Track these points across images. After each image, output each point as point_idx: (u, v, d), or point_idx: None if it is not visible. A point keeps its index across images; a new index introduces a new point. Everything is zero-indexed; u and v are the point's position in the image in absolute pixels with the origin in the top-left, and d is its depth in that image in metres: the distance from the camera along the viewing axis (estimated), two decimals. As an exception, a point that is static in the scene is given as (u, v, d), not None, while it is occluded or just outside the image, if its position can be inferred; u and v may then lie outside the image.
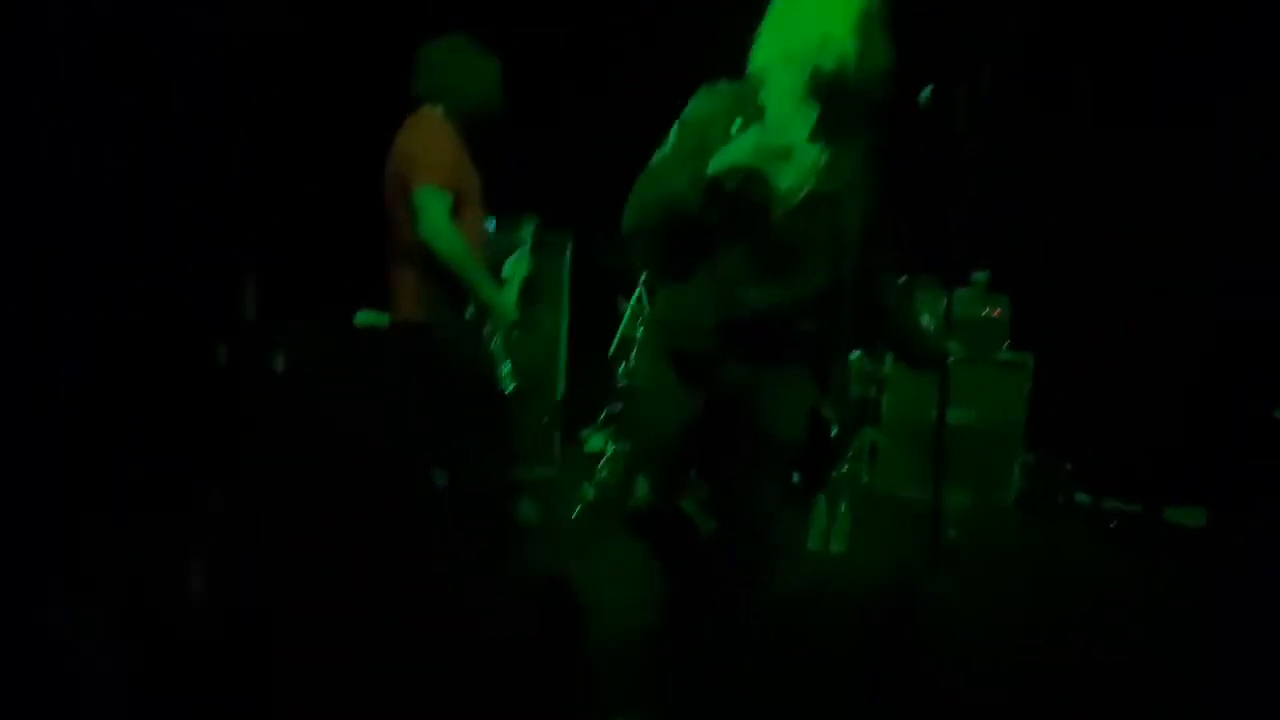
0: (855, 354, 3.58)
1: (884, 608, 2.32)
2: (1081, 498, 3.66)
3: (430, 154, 2.08)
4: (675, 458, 1.59)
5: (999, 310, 3.67)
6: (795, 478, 2.27)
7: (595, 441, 3.87)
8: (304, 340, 3.17)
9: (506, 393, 2.32)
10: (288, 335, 3.19)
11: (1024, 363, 3.60)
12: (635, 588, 2.30)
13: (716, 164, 1.35)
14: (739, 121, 1.38)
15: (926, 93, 1.63)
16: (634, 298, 3.33)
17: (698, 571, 1.63)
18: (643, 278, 3.28)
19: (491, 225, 3.54)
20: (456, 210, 2.09)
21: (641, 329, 3.21)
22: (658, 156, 1.46)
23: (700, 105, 1.48)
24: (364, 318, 3.24)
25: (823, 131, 1.43)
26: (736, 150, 1.34)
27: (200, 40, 3.12)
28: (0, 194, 2.64)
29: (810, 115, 1.44)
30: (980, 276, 3.69)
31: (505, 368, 2.31)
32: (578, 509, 3.11)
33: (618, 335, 3.36)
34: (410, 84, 2.20)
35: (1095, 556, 3.08)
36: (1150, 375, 3.51)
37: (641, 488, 1.56)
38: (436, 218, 2.03)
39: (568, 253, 3.72)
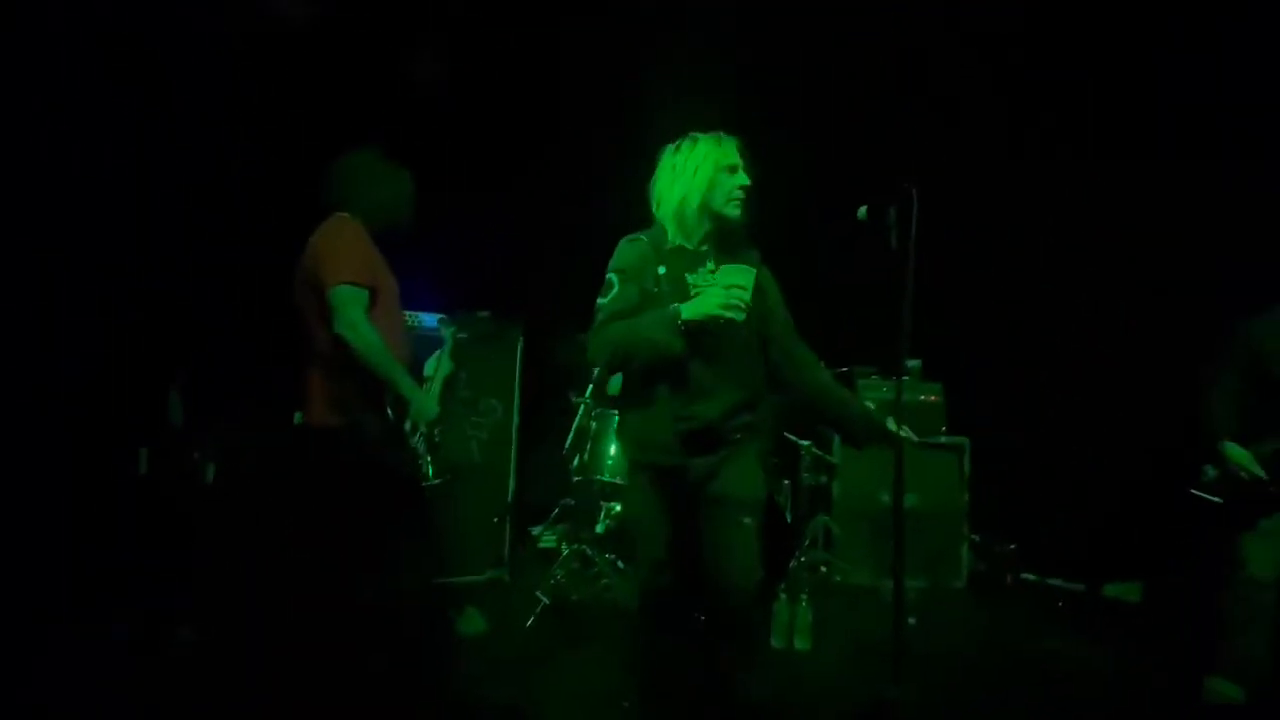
0: (806, 443, 3.66)
1: (853, 709, 2.27)
2: (1027, 576, 3.77)
3: (344, 253, 2.09)
4: (662, 548, 1.82)
5: (934, 396, 3.86)
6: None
7: (548, 539, 3.74)
8: (232, 446, 3.00)
9: (431, 490, 2.25)
10: (215, 442, 3.01)
11: (962, 446, 3.77)
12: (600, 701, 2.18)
13: (690, 313, 1.71)
14: (663, 270, 1.79)
15: (863, 210, 1.81)
16: (587, 392, 3.30)
17: (686, 645, 1.82)
18: (595, 373, 3.27)
19: (434, 321, 3.52)
20: (372, 308, 2.09)
21: (594, 423, 3.18)
22: (606, 300, 1.80)
23: (627, 256, 1.84)
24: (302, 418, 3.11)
25: (726, 259, 1.80)
26: (706, 304, 1.70)
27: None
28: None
29: (726, 254, 1.82)
30: (914, 364, 3.89)
31: (429, 466, 2.26)
32: (533, 616, 2.96)
33: (573, 429, 3.30)
34: (322, 194, 2.22)
35: (1047, 635, 3.13)
36: (1080, 458, 3.71)
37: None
38: (353, 314, 2.03)
39: (519, 345, 3.71)
